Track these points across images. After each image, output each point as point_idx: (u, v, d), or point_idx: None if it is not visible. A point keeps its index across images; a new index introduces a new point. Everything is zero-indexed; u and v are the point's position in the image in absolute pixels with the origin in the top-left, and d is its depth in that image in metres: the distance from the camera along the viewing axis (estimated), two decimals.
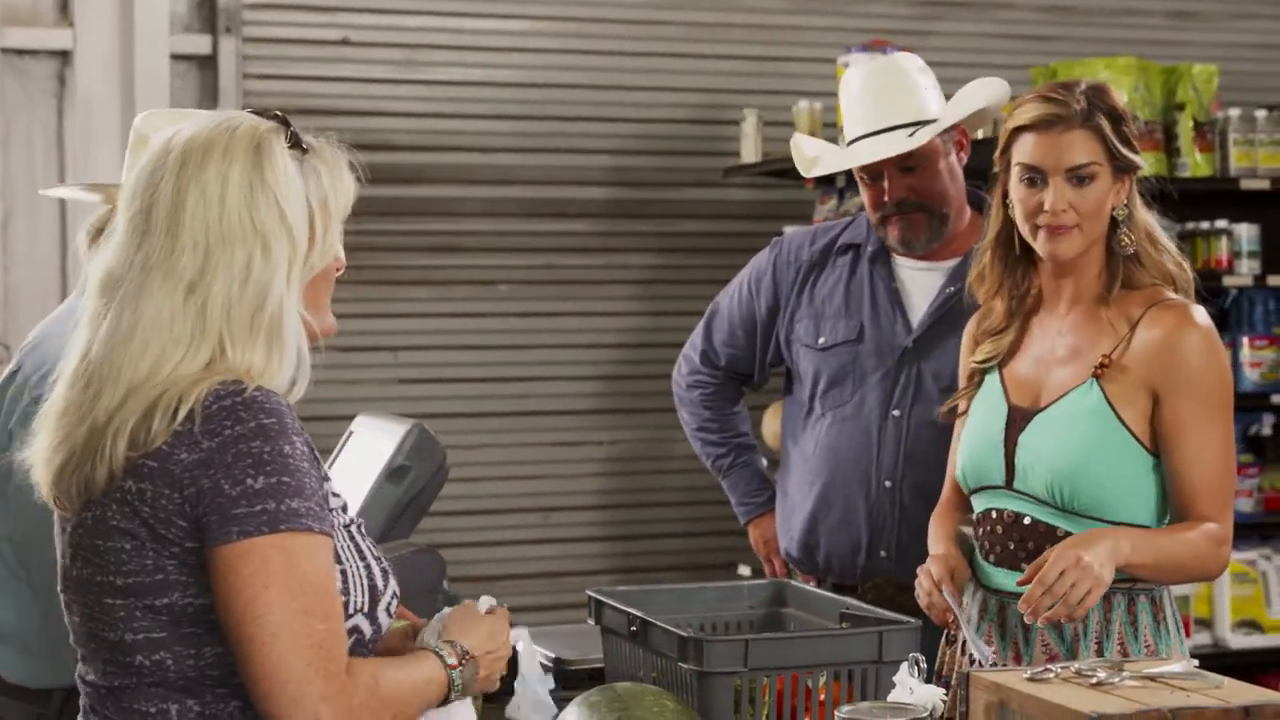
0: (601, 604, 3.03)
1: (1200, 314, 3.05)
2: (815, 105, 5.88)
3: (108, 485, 2.15)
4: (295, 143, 2.23)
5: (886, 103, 3.66)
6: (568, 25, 6.15)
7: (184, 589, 2.15)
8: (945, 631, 3.18)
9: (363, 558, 2.26)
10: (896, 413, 3.69)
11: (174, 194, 2.17)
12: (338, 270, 2.29)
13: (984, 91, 3.70)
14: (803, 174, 3.88)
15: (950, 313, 3.67)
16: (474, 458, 5.98)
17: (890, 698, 2.51)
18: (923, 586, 3.08)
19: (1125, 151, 3.04)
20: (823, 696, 2.74)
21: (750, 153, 6.05)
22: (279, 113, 2.25)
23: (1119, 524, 2.99)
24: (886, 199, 3.67)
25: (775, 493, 3.96)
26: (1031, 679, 2.22)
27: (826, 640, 2.83)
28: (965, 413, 3.21)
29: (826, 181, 5.71)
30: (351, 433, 3.88)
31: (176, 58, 5.78)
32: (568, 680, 3.32)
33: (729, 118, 6.18)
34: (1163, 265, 3.09)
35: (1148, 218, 3.11)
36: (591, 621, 3.06)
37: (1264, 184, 5.82)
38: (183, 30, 5.82)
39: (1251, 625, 5.87)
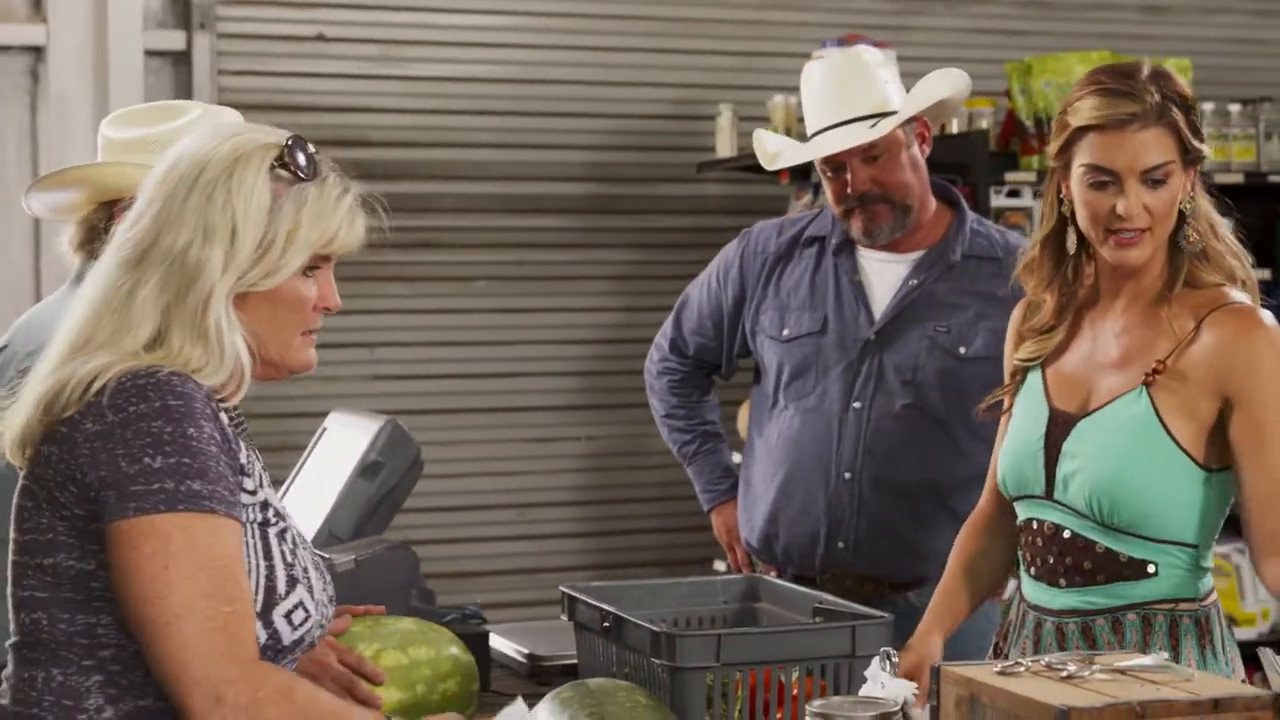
0: (575, 600, 3.02)
1: (1269, 317, 2.84)
2: (790, 100, 5.87)
3: (31, 449, 2.23)
4: (292, 166, 2.28)
5: (848, 95, 3.68)
6: (544, 20, 6.14)
7: (69, 551, 2.19)
8: (994, 643, 3.12)
9: (268, 558, 2.26)
10: (858, 405, 3.70)
11: (162, 176, 2.28)
12: (325, 310, 2.35)
13: (945, 82, 3.71)
14: (765, 167, 3.90)
15: (913, 305, 3.70)
16: (451, 454, 5.98)
17: (861, 692, 2.51)
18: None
19: (1197, 144, 2.85)
20: (795, 691, 2.74)
21: (725, 148, 6.05)
22: (300, 139, 2.30)
23: (1162, 542, 2.83)
24: (850, 191, 3.69)
25: (739, 481, 3.98)
26: (1002, 672, 2.21)
27: (799, 635, 2.83)
28: (1009, 410, 3.03)
29: (801, 176, 5.72)
30: (325, 429, 3.88)
31: (150, 54, 5.76)
32: (541, 676, 3.33)
33: (704, 113, 6.19)
34: (1225, 260, 2.90)
35: (1209, 207, 2.93)
36: (565, 617, 3.06)
37: (1238, 178, 5.83)
38: (156, 26, 5.80)
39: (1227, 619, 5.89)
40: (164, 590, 2.11)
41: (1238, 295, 2.87)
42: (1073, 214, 2.90)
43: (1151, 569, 2.85)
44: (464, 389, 6.10)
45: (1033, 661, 2.24)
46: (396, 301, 6.03)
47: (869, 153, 3.66)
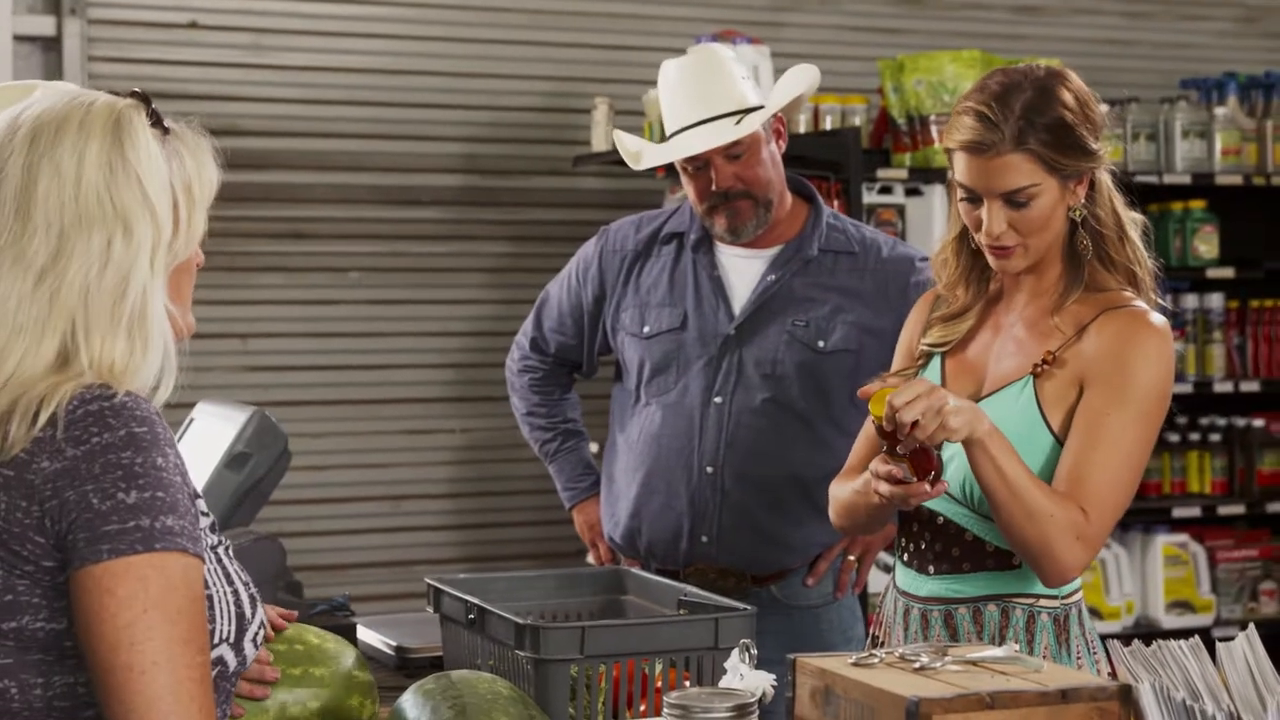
0: (440, 592, 3.03)
1: (1157, 319, 2.86)
2: None
3: None
4: (156, 122, 2.06)
5: (708, 93, 3.71)
6: (418, 11, 6.12)
7: (35, 612, 1.96)
8: (871, 635, 3.12)
9: (230, 582, 2.10)
10: (719, 399, 3.73)
11: (24, 172, 1.99)
12: (197, 264, 2.13)
13: (803, 79, 3.76)
14: (632, 167, 3.92)
15: (772, 300, 3.74)
16: (324, 446, 5.95)
17: (721, 683, 2.53)
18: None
19: (1071, 162, 2.84)
20: (660, 683, 2.75)
21: (601, 141, 6.06)
22: (137, 90, 2.08)
23: None
24: (714, 188, 3.71)
25: (600, 478, 4.00)
26: (856, 664, 2.24)
27: (663, 627, 2.85)
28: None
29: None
30: (192, 420, 3.86)
31: (19, 39, 5.68)
32: (409, 668, 3.33)
33: (580, 106, 6.19)
34: (1128, 266, 2.91)
35: (1120, 209, 2.93)
36: (430, 609, 3.07)
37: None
38: (26, 11, 5.72)
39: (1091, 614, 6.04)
40: (141, 636, 1.90)
41: (1136, 300, 2.89)
42: None
43: (1016, 560, 2.87)
44: (337, 380, 6.07)
45: (887, 653, 2.27)
46: (269, 292, 5.99)
47: (732, 150, 3.69)
